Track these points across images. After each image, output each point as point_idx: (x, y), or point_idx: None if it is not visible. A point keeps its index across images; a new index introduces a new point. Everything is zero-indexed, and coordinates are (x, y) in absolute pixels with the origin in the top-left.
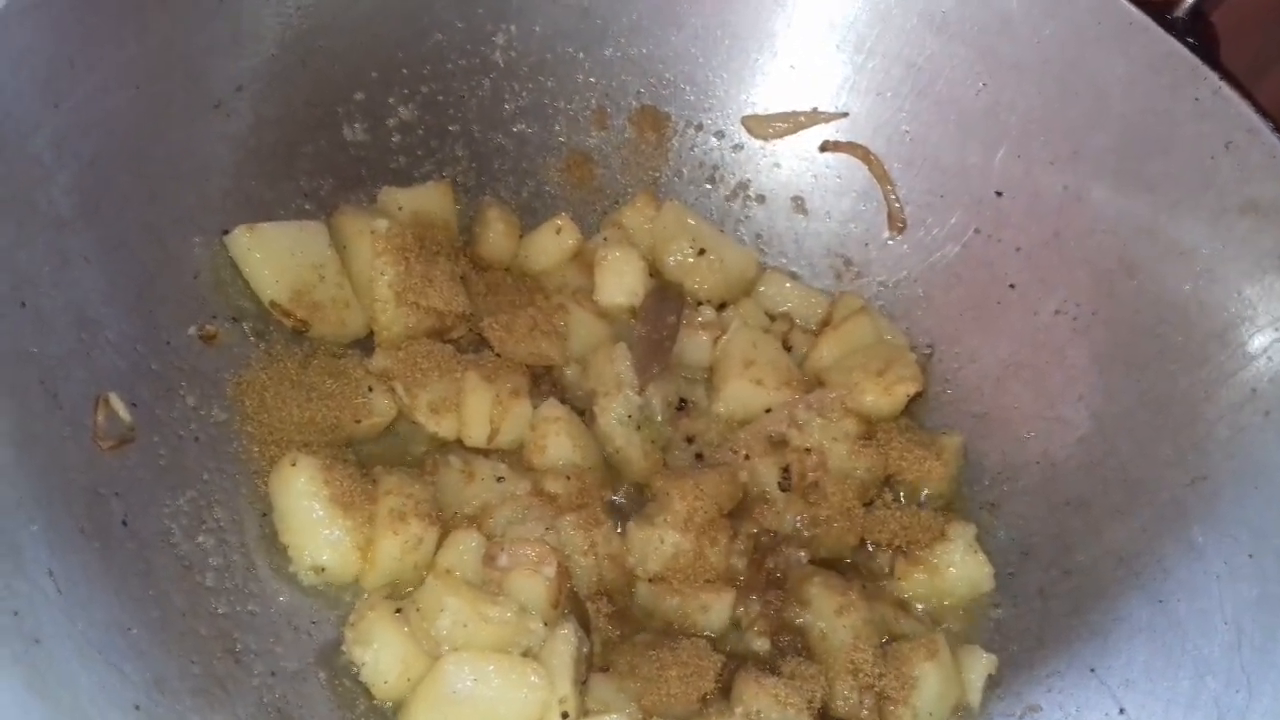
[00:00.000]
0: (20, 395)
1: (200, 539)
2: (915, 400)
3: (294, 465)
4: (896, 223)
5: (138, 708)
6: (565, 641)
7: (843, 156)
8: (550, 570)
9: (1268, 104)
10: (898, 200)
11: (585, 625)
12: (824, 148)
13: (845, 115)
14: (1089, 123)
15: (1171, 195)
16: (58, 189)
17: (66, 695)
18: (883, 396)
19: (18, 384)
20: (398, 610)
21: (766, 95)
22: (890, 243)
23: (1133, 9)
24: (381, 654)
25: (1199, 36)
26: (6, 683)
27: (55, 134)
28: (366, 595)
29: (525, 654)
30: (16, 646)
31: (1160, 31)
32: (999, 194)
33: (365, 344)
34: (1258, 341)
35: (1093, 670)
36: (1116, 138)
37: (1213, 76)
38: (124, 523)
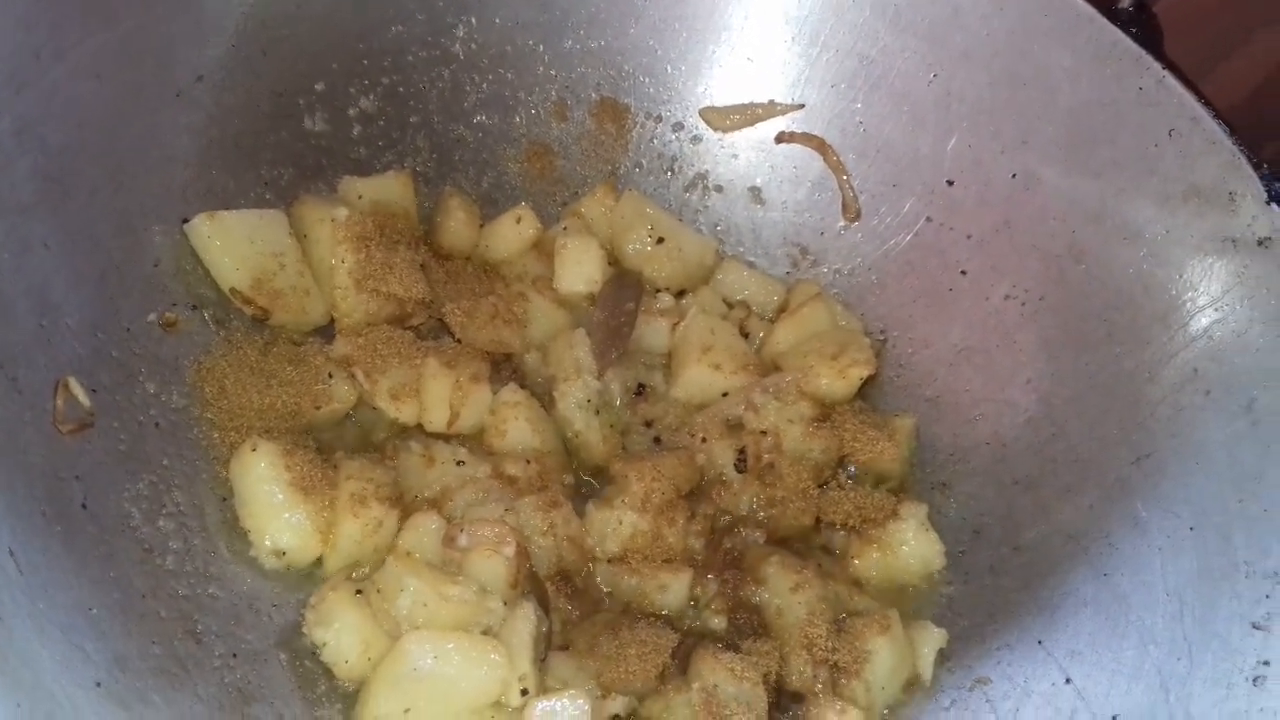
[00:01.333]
0: None
1: (160, 523)
2: (869, 384)
3: (254, 450)
4: (851, 212)
5: (99, 685)
6: (524, 620)
7: (798, 147)
8: (509, 550)
9: (1216, 99)
10: (852, 190)
11: (545, 605)
12: (780, 139)
13: (801, 107)
14: (1037, 112)
15: (1118, 182)
16: (20, 175)
17: (28, 672)
18: (837, 379)
19: None
20: (358, 592)
21: (724, 88)
22: (845, 231)
23: (1079, 1)
24: (342, 634)
25: (1143, 28)
26: None
27: (18, 121)
28: (327, 578)
29: (485, 633)
30: None
31: (1106, 23)
32: (950, 183)
33: (325, 332)
34: (1199, 323)
35: (1040, 642)
36: (1064, 127)
37: (1156, 66)
38: (84, 506)
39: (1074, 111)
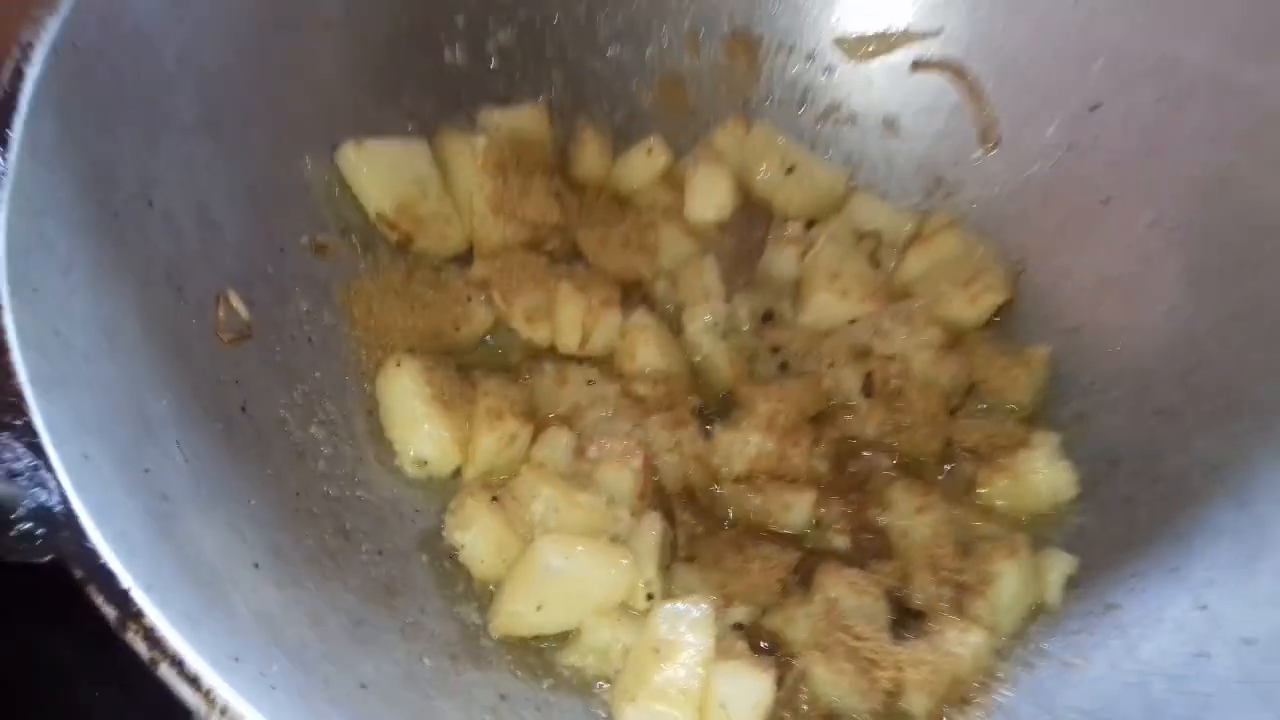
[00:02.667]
0: (148, 286)
1: (313, 429)
2: (1006, 314)
3: (399, 366)
4: (990, 140)
5: (257, 566)
6: (650, 529)
7: (935, 75)
8: (637, 463)
9: None
10: (991, 117)
11: (670, 517)
12: (916, 66)
13: (938, 32)
14: (1190, 26)
15: (1273, 101)
16: (182, 98)
17: (192, 548)
18: (968, 306)
19: (145, 275)
20: (494, 499)
21: (858, 15)
22: (983, 160)
23: None
24: (479, 537)
25: None
26: (140, 527)
27: (180, 45)
28: (466, 486)
29: (613, 540)
30: (148, 500)
31: None
32: (1094, 108)
33: (464, 259)
34: None
35: (1175, 570)
36: (1219, 42)
37: None
38: (243, 409)
39: (1231, 22)
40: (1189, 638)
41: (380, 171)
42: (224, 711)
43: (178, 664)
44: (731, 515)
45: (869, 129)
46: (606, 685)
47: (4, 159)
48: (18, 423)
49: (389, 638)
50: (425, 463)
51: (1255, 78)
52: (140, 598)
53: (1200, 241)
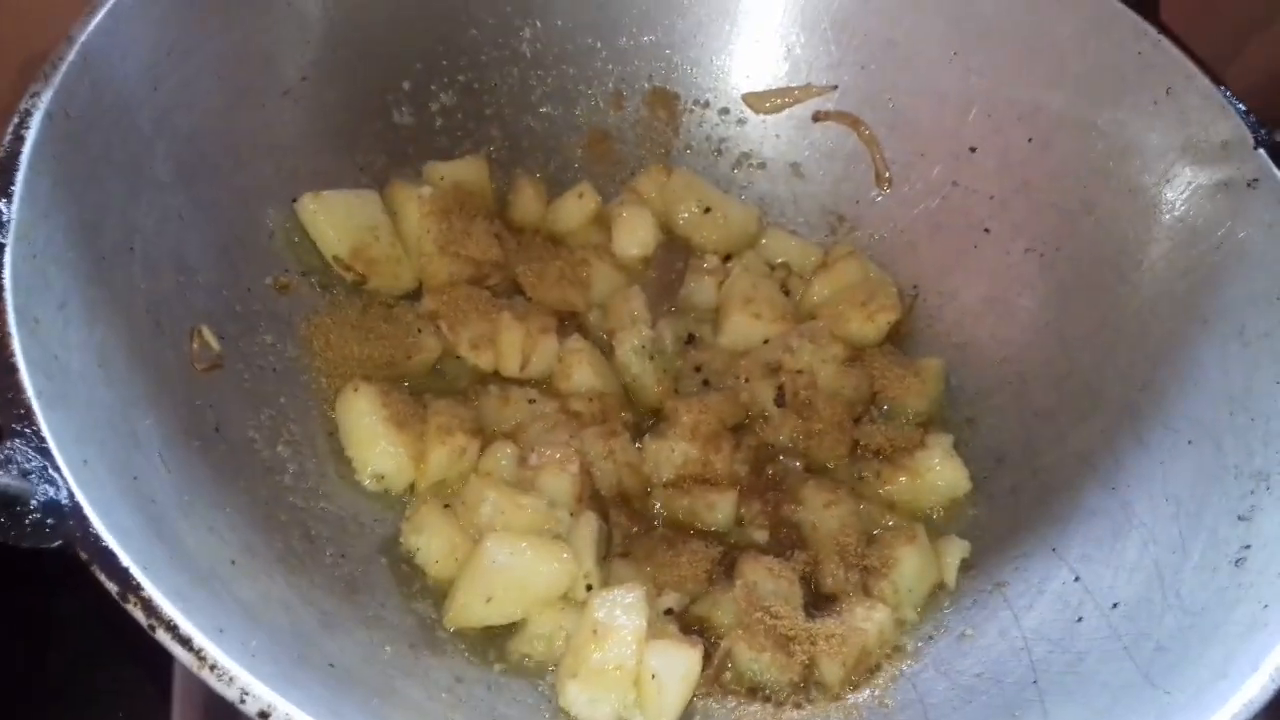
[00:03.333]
0: (132, 320)
1: (279, 448)
2: (903, 334)
3: (356, 390)
4: (884, 181)
5: (233, 562)
6: (587, 527)
7: (834, 125)
8: (574, 468)
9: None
10: (884, 161)
11: (605, 517)
12: (817, 118)
13: (835, 88)
14: (1048, 80)
15: (1122, 139)
16: (158, 157)
17: (178, 543)
18: (866, 324)
19: (129, 311)
20: (446, 506)
21: (764, 73)
22: (879, 199)
23: None
24: (433, 540)
25: None
26: (134, 521)
27: (156, 111)
28: (420, 496)
29: (555, 538)
30: (138, 500)
31: None
32: (973, 149)
33: (414, 295)
34: (1198, 259)
35: (1054, 549)
36: (1073, 92)
37: (1152, 31)
38: (216, 430)
39: (1082, 77)
40: (1065, 606)
41: (336, 219)
42: (214, 668)
43: (173, 629)
44: (662, 516)
45: (778, 173)
46: (553, 669)
47: (8, 209)
48: (28, 430)
49: (353, 628)
50: (383, 477)
51: (1107, 119)
52: (138, 574)
53: (1068, 263)
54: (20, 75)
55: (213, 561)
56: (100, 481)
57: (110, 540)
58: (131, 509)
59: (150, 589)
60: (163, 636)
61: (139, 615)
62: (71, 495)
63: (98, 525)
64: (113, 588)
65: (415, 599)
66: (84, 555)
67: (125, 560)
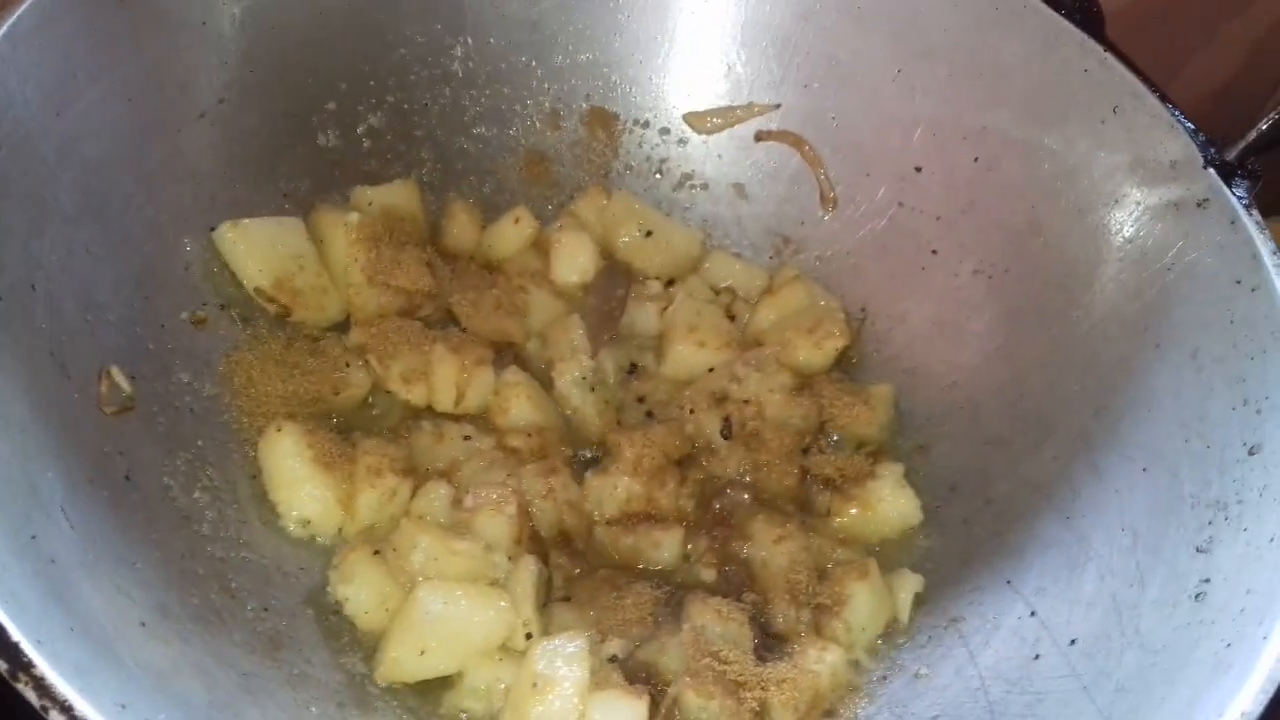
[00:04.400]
0: (33, 364)
1: (196, 495)
2: (851, 359)
3: (279, 431)
4: (828, 202)
5: (143, 624)
6: (526, 571)
7: (777, 144)
8: (511, 509)
9: (1187, 94)
10: (828, 181)
11: (545, 560)
12: (759, 137)
13: (778, 107)
14: (994, 99)
15: (1070, 159)
16: (63, 187)
17: (81, 606)
18: (813, 351)
19: (30, 355)
20: (376, 552)
21: (705, 92)
22: (824, 220)
23: None
24: (362, 589)
25: (1085, 15)
26: (32, 590)
27: (60, 140)
28: (348, 542)
29: (492, 584)
30: (36, 563)
31: (1051, 12)
32: (918, 169)
33: (342, 326)
34: (1148, 282)
35: (1009, 582)
36: (1019, 111)
37: (1098, 49)
38: (127, 477)
39: (1028, 96)
40: (1022, 642)
41: (257, 249)
42: None
43: (67, 710)
44: (605, 555)
45: (721, 194)
46: None
47: None
48: None
49: (276, 688)
50: (308, 522)
51: (1054, 138)
52: (29, 649)
53: (1018, 285)
54: None
55: (120, 626)
56: None
57: (1, 613)
58: (28, 574)
59: (43, 666)
60: (56, 719)
61: (30, 695)
62: None
63: None
64: (2, 665)
65: (344, 653)
66: None
67: (15, 634)
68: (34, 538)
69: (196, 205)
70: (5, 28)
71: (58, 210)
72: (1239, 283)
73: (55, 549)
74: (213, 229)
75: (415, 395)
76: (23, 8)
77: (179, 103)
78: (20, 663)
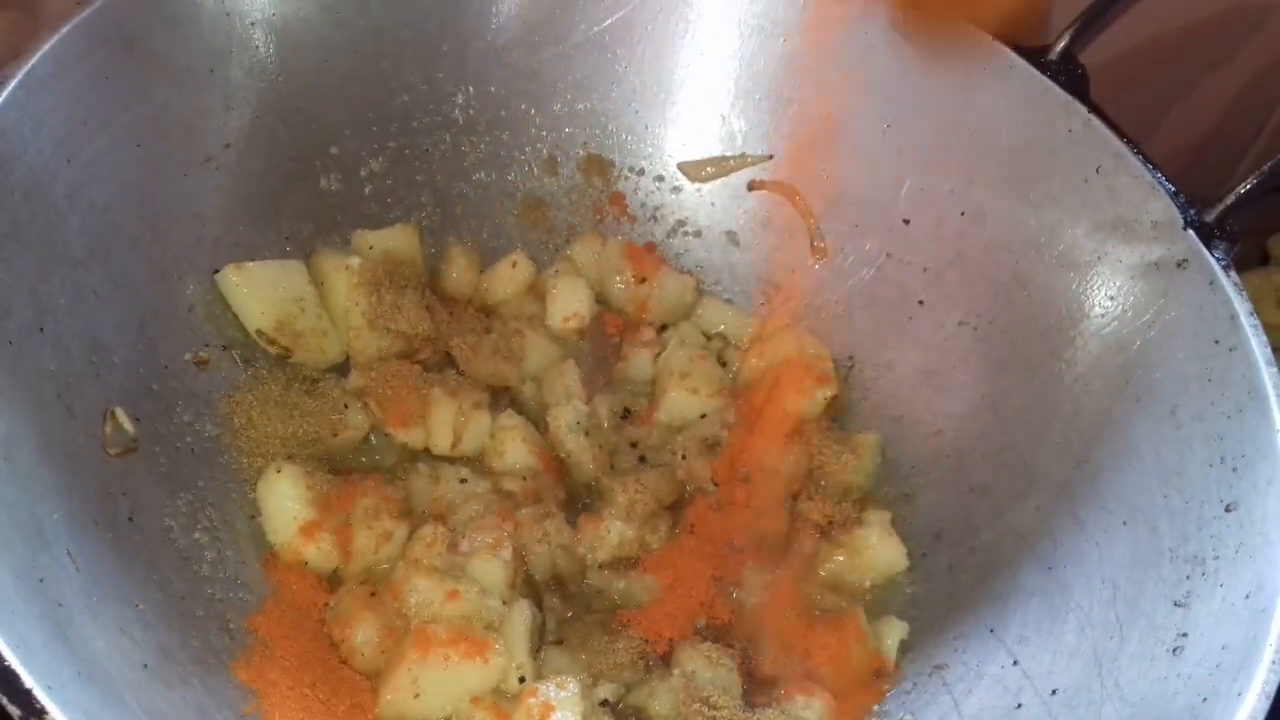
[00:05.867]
0: (40, 407)
1: (197, 535)
2: (838, 407)
3: (279, 472)
4: (818, 251)
5: (146, 666)
6: (520, 616)
7: (769, 194)
8: (506, 554)
9: (1165, 147)
10: (818, 231)
11: (539, 604)
12: (752, 187)
13: (770, 158)
14: (980, 155)
15: (1054, 214)
16: (71, 232)
17: (86, 650)
18: (803, 399)
19: (38, 397)
20: (372, 594)
21: (699, 142)
22: (813, 269)
23: (1012, 54)
24: (359, 631)
25: (1070, 76)
26: (39, 631)
27: (69, 185)
28: (345, 583)
29: (486, 628)
30: (44, 606)
31: (1036, 73)
32: (906, 222)
33: (341, 368)
34: (1129, 338)
35: (992, 631)
36: (1005, 166)
37: (1082, 110)
38: (130, 518)
39: (1013, 152)
40: (1005, 690)
41: (259, 291)
42: None
43: None
44: (597, 599)
45: (713, 242)
46: None
47: None
48: None
49: None
50: (305, 564)
51: (1038, 195)
52: (41, 696)
53: (1003, 336)
54: None
55: (123, 668)
56: (3, 589)
57: (13, 659)
58: (38, 617)
59: (55, 712)
60: None
61: None
62: None
63: (0, 642)
64: (15, 711)
65: None
66: None
67: (28, 681)
68: (41, 580)
69: (200, 248)
70: (20, 76)
71: (66, 254)
72: (1217, 342)
73: (62, 592)
74: (216, 271)
75: (412, 438)
76: (37, 56)
77: (186, 147)
78: (33, 709)
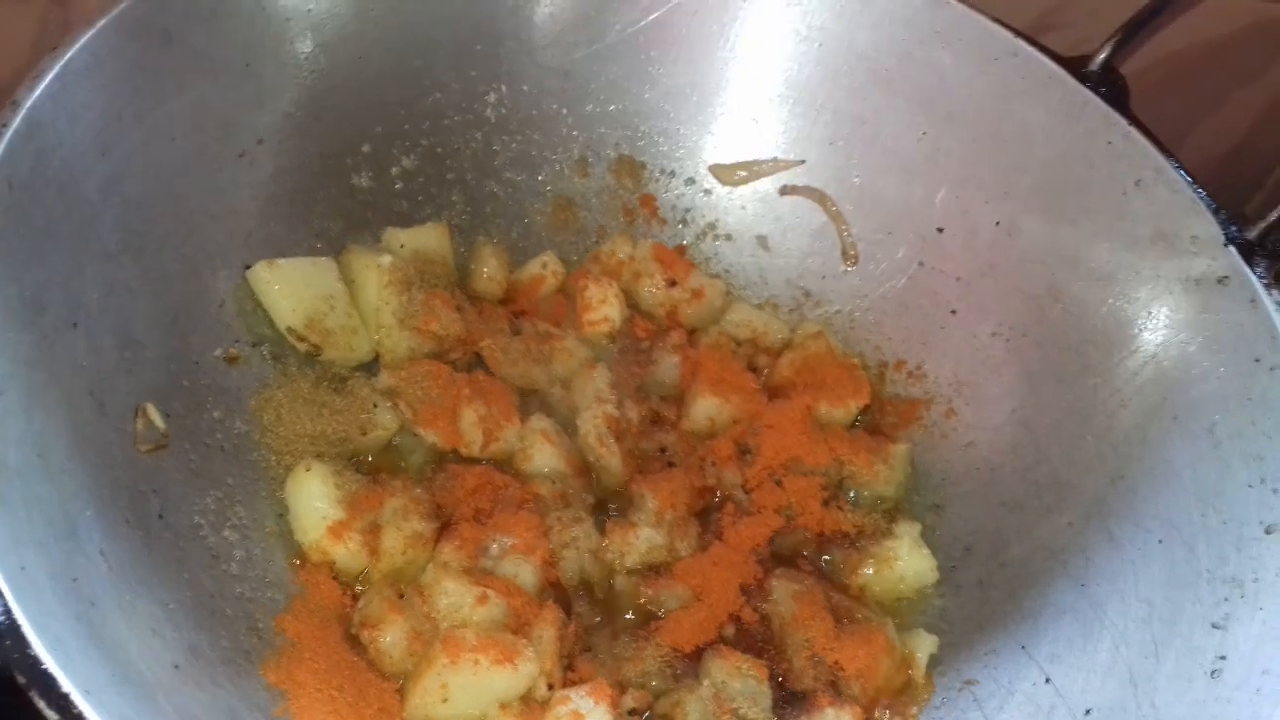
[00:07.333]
0: (72, 403)
1: (226, 533)
2: (869, 414)
3: (308, 470)
4: (850, 258)
5: (177, 667)
6: (550, 621)
7: (801, 199)
8: (536, 558)
9: (1196, 157)
10: (850, 237)
11: (568, 609)
12: (784, 192)
13: (802, 163)
14: (1017, 165)
15: (1091, 228)
16: (105, 227)
17: (119, 651)
18: (835, 408)
19: (71, 393)
20: (401, 596)
21: (731, 146)
22: (845, 275)
23: (1052, 64)
24: (387, 633)
25: (1111, 87)
26: (74, 633)
27: (104, 179)
28: (374, 584)
29: (514, 633)
30: (78, 606)
31: (1077, 84)
32: (940, 230)
33: (370, 367)
34: (1166, 354)
35: (1023, 647)
36: (1042, 178)
37: (1123, 122)
38: (160, 516)
39: (1050, 164)
40: (1037, 709)
41: (290, 288)
42: None
43: None
44: (625, 605)
45: (744, 246)
46: None
47: None
48: None
49: None
50: (333, 563)
51: (1075, 207)
52: (79, 700)
53: (1036, 349)
54: None
55: (155, 669)
56: (39, 590)
57: (49, 660)
58: (72, 618)
59: (91, 715)
60: None
61: None
62: (8, 612)
63: (35, 644)
64: (53, 716)
65: None
66: (22, 680)
67: (66, 685)
68: (75, 580)
69: (232, 243)
70: (57, 69)
71: (100, 248)
72: (1258, 361)
73: (94, 591)
74: (247, 267)
75: (442, 439)
76: (73, 49)
77: (219, 142)
78: (70, 714)
